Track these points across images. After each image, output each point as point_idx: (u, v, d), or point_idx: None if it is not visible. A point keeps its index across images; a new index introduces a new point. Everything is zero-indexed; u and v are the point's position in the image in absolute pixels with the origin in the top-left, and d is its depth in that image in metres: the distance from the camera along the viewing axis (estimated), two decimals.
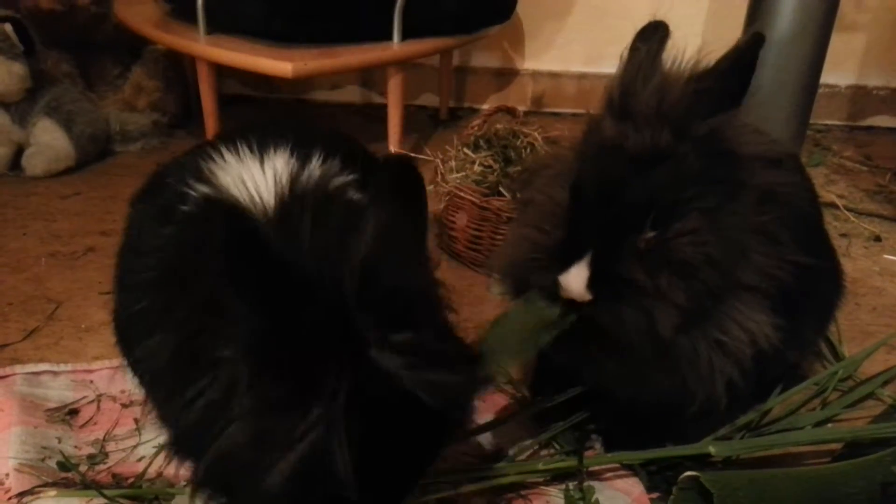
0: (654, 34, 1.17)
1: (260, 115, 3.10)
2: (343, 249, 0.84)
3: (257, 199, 0.96)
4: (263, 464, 0.81)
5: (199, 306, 0.89)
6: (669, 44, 1.16)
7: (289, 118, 3.02)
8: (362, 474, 0.81)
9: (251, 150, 1.04)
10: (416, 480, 0.95)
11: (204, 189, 1.01)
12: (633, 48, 1.16)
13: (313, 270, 0.82)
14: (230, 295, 0.79)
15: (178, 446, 0.99)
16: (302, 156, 1.03)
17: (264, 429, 0.82)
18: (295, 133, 1.10)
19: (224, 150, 1.05)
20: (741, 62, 1.10)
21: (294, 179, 0.98)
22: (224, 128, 1.19)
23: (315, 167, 1.02)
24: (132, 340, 1.07)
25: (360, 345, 0.82)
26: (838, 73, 3.05)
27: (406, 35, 2.33)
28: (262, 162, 1.01)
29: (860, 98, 3.14)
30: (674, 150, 1.09)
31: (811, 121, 2.40)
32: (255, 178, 0.99)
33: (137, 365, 1.09)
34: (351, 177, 1.05)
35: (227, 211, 0.80)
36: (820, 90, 2.39)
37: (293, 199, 0.95)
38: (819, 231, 1.42)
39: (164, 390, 0.98)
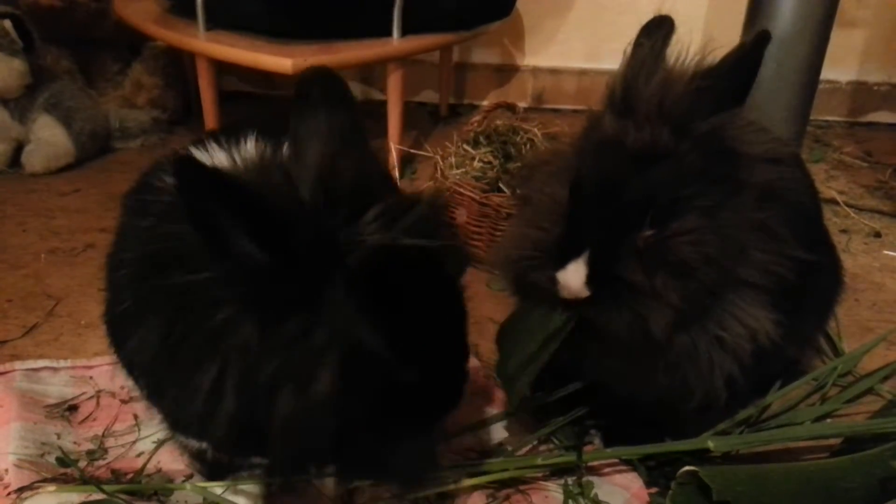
0: (658, 29, 1.16)
1: (259, 111, 3.10)
2: (300, 166, 0.89)
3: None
4: (309, 392, 0.84)
5: (181, 286, 0.89)
6: (673, 39, 1.16)
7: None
8: (403, 350, 0.86)
9: (220, 143, 1.04)
10: (461, 344, 1.01)
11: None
12: (637, 43, 1.15)
13: (277, 194, 0.84)
14: (201, 241, 0.83)
15: (185, 430, 1.01)
16: (271, 142, 1.03)
17: (294, 361, 0.84)
18: (264, 124, 1.11)
19: (197, 146, 1.06)
20: (746, 60, 1.10)
21: (261, 156, 0.99)
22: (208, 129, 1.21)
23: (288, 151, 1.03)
24: (122, 338, 1.07)
25: (348, 236, 0.85)
26: (839, 69, 3.04)
27: (406, 31, 2.32)
28: (231, 150, 1.02)
29: (861, 94, 3.13)
30: (674, 148, 1.08)
31: (811, 117, 2.39)
32: (223, 161, 0.99)
33: (130, 363, 1.09)
34: None
35: (181, 159, 0.81)
36: (820, 86, 2.38)
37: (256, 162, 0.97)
38: (819, 227, 1.42)
39: (163, 379, 0.98)
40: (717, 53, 1.11)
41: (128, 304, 1.01)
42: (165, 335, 0.92)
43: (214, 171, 0.81)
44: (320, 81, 0.96)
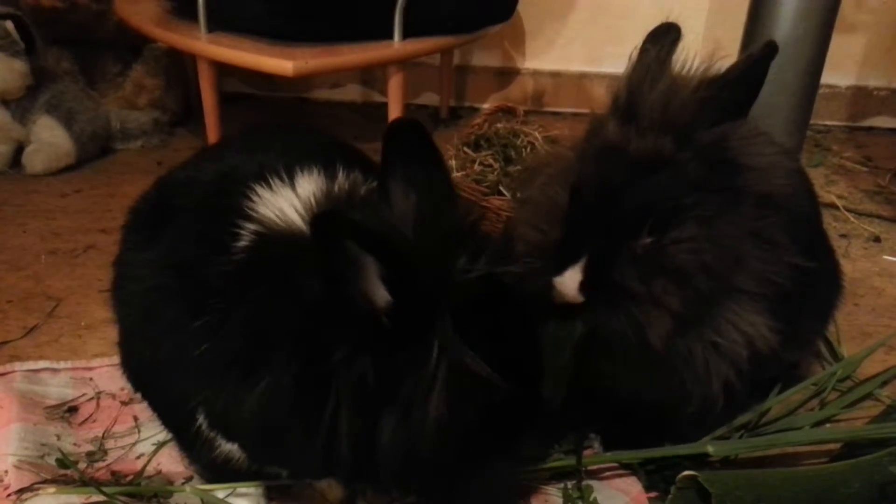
0: (665, 36, 1.16)
1: (260, 113, 3.10)
2: (396, 212, 0.96)
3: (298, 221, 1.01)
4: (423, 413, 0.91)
5: (293, 332, 0.94)
6: (679, 47, 1.16)
7: (295, 121, 3.02)
8: (502, 370, 0.93)
9: (282, 178, 1.06)
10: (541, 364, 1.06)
11: (252, 227, 1.01)
12: (643, 49, 1.15)
13: (400, 239, 0.91)
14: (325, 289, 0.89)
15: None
16: (329, 173, 1.08)
17: (405, 390, 0.91)
18: (319, 151, 1.15)
19: (259, 182, 1.06)
20: (752, 72, 1.10)
21: (327, 196, 1.04)
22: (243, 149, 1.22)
23: (343, 181, 1.07)
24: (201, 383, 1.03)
25: (453, 273, 0.93)
26: (838, 73, 3.05)
27: (407, 34, 2.32)
28: (296, 188, 1.05)
29: (860, 99, 3.14)
30: (676, 156, 1.09)
31: (811, 121, 2.40)
32: (293, 203, 1.02)
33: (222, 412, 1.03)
34: (374, 183, 1.06)
35: (322, 218, 0.85)
36: (820, 91, 2.39)
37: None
38: (818, 232, 1.42)
39: (269, 427, 0.98)
40: (725, 63, 1.11)
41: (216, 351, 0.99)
42: (277, 383, 0.94)
43: (354, 224, 0.84)
44: (412, 134, 0.99)
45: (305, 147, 1.17)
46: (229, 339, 0.96)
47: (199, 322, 0.98)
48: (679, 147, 1.08)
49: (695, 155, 1.08)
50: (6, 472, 1.24)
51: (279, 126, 1.54)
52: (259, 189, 1.03)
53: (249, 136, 1.36)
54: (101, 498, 1.18)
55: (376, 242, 0.84)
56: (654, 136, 1.08)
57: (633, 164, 1.08)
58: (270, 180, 1.04)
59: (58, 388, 1.47)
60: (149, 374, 1.14)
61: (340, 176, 1.07)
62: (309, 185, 1.04)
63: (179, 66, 2.90)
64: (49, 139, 2.47)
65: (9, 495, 1.20)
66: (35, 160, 2.43)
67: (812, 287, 1.25)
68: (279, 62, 2.15)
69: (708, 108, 1.08)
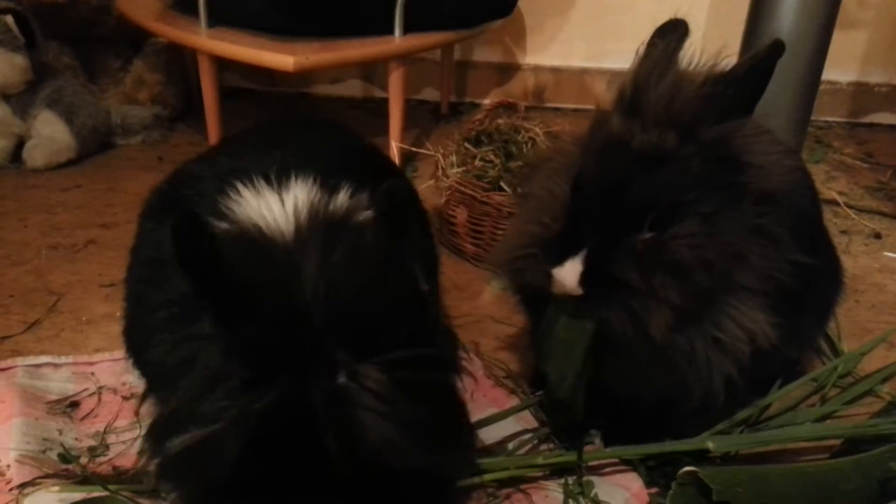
0: (673, 32, 1.16)
1: (261, 109, 3.10)
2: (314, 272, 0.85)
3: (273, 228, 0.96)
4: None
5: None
6: (687, 43, 1.16)
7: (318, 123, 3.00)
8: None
9: (270, 183, 1.02)
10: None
11: (224, 225, 0.99)
12: (651, 44, 1.15)
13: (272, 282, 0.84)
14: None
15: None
16: (329, 187, 1.02)
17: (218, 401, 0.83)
18: (326, 157, 1.11)
19: (245, 182, 1.04)
20: (758, 69, 1.10)
21: (311, 209, 0.97)
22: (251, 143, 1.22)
23: (342, 200, 1.01)
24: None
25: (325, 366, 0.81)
26: (840, 69, 3.04)
27: (408, 29, 2.32)
28: (281, 195, 1.00)
29: (861, 95, 3.14)
30: (679, 152, 1.08)
31: (812, 117, 2.39)
32: (273, 211, 0.97)
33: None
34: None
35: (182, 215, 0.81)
36: (821, 87, 2.38)
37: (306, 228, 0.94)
38: (819, 229, 1.42)
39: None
40: (731, 60, 1.11)
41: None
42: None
43: (204, 240, 0.81)
44: (392, 204, 0.89)
45: (322, 151, 1.15)
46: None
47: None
48: (683, 143, 1.08)
49: (698, 151, 1.08)
50: (8, 466, 1.24)
51: (307, 124, 1.51)
52: (244, 190, 1.02)
53: (270, 132, 1.35)
54: (103, 493, 1.18)
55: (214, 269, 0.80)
56: (658, 131, 1.08)
57: (636, 159, 1.08)
58: (258, 183, 1.03)
59: (59, 382, 1.48)
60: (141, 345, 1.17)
61: (343, 193, 1.02)
62: (300, 193, 1.00)
63: (180, 61, 2.90)
64: (50, 134, 2.46)
65: (11, 489, 1.20)
66: (36, 155, 2.43)
67: (813, 283, 1.26)
68: (280, 57, 2.15)
69: (713, 105, 1.08)
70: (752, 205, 1.13)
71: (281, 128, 1.39)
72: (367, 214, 0.99)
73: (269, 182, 1.03)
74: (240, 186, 1.02)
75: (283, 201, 0.99)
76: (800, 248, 1.17)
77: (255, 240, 0.93)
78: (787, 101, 2.27)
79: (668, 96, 1.09)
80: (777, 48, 1.09)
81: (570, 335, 1.13)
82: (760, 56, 1.09)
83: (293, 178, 1.03)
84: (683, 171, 1.08)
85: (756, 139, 1.16)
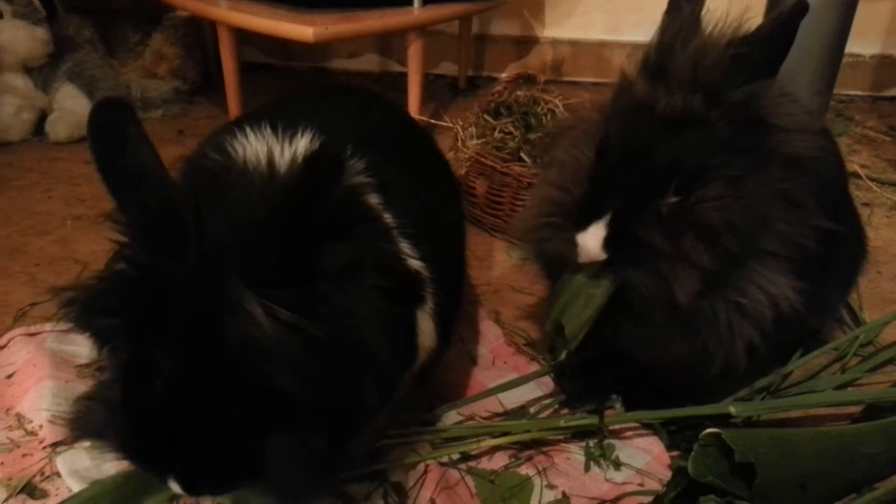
0: None
1: (279, 83, 3.10)
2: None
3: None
4: None
5: None
6: (711, 5, 1.15)
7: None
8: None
9: (276, 132, 1.05)
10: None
11: (216, 156, 1.03)
12: (676, 7, 1.14)
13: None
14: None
15: None
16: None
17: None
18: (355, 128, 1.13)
19: (252, 125, 1.07)
20: (782, 30, 1.09)
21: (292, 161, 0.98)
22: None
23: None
24: None
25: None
26: (863, 42, 3.00)
27: (427, 0, 2.31)
28: (282, 143, 1.03)
29: (885, 68, 3.09)
30: (705, 115, 1.08)
31: (834, 91, 2.36)
32: (258, 154, 1.00)
33: None
34: (366, 180, 1.04)
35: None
36: (844, 60, 2.35)
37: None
38: (844, 195, 1.41)
39: None
40: (754, 22, 1.10)
41: None
42: None
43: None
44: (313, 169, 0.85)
45: (346, 116, 1.16)
46: None
47: None
48: (708, 105, 1.07)
49: (724, 114, 1.08)
50: (41, 426, 1.27)
51: (351, 92, 1.56)
52: (250, 134, 1.06)
53: (310, 96, 1.40)
54: None
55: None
56: (684, 94, 1.07)
57: (662, 122, 1.08)
58: (265, 130, 1.06)
59: (87, 347, 1.49)
60: None
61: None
62: (301, 146, 1.03)
63: (198, 35, 2.90)
64: (71, 107, 2.48)
65: (44, 448, 1.23)
66: (58, 128, 2.45)
67: (837, 250, 1.25)
68: (299, 28, 2.15)
69: (739, 67, 1.07)
70: (779, 169, 1.13)
71: (321, 93, 1.42)
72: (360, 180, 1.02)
73: (275, 131, 1.05)
74: (248, 130, 1.07)
75: (273, 148, 1.01)
76: (825, 214, 1.17)
77: (220, 169, 0.98)
78: (809, 72, 2.24)
79: (694, 59, 1.08)
80: (801, 7, 1.08)
81: (589, 289, 1.13)
82: (785, 16, 1.08)
83: (300, 133, 1.05)
84: (709, 134, 1.08)
85: (782, 102, 1.15)
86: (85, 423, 0.93)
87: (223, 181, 0.93)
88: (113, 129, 0.86)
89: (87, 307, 0.87)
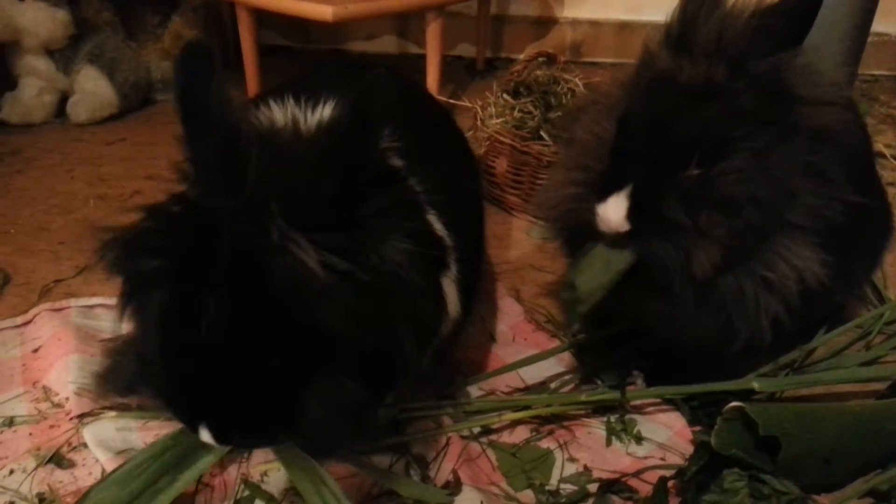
0: None
1: (296, 65, 3.10)
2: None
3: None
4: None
5: None
6: None
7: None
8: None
9: (299, 101, 1.07)
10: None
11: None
12: None
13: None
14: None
15: None
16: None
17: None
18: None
19: (274, 97, 1.09)
20: (806, 0, 1.07)
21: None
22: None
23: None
24: None
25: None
26: (888, 21, 2.95)
27: None
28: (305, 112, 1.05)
29: None
30: (728, 86, 1.07)
31: (858, 71, 2.33)
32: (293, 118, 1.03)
33: None
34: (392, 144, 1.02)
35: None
36: (869, 39, 2.31)
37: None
38: (871, 171, 1.39)
39: None
40: None
41: None
42: None
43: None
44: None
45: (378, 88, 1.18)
46: None
47: None
48: (732, 76, 1.06)
49: (748, 85, 1.06)
50: (67, 398, 1.29)
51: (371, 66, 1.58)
52: (274, 104, 1.07)
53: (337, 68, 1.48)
54: (157, 422, 1.22)
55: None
56: (707, 65, 1.06)
57: (685, 94, 1.06)
58: (288, 99, 1.07)
59: (111, 322, 1.51)
60: None
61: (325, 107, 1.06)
62: (321, 114, 1.03)
63: (217, 17, 2.91)
64: (92, 89, 2.50)
65: (71, 419, 1.25)
66: (79, 109, 2.47)
67: (863, 225, 1.24)
68: (319, 7, 2.14)
69: (763, 37, 1.06)
70: (804, 141, 1.11)
71: (341, 66, 1.47)
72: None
73: (297, 101, 1.07)
74: (271, 100, 1.09)
75: (297, 116, 1.03)
76: (851, 187, 1.15)
77: (255, 130, 0.96)
78: (834, 53, 2.20)
79: (718, 29, 1.07)
80: None
81: (609, 255, 1.12)
82: None
83: (322, 104, 1.06)
84: (732, 105, 1.06)
85: (807, 73, 1.13)
86: (115, 378, 0.93)
87: (265, 135, 0.95)
88: (199, 65, 0.88)
89: (128, 247, 0.88)
